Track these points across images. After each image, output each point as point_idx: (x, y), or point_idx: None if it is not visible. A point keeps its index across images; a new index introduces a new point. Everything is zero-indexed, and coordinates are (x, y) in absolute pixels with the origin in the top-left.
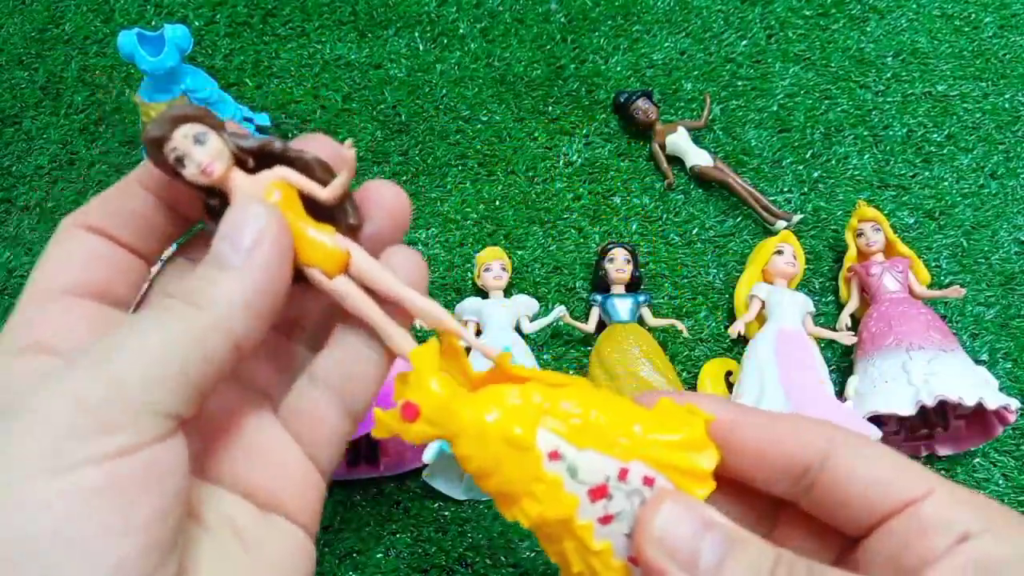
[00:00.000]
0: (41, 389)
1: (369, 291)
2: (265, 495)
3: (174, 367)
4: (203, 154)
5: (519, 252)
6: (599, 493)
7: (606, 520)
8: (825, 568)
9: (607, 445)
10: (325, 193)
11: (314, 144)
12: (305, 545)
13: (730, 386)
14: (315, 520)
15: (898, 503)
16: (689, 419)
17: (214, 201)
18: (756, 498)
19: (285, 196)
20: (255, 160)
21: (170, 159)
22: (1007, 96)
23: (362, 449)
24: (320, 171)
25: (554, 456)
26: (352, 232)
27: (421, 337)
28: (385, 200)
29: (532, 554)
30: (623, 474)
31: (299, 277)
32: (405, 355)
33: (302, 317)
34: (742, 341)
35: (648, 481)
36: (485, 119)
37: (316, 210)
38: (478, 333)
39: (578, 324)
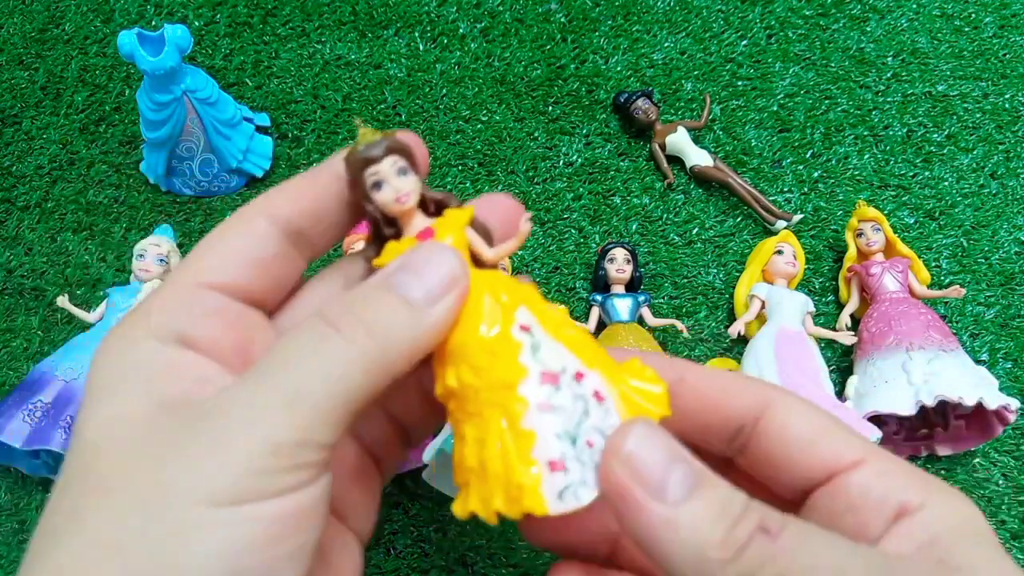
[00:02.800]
0: (235, 422)
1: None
2: (343, 505)
3: (349, 404)
4: (403, 184)
5: (519, 252)
6: (550, 378)
7: (544, 407)
8: (797, 520)
9: (575, 347)
10: (490, 254)
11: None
12: None
13: None
14: None
15: (825, 472)
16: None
17: (390, 231)
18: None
19: (463, 244)
20: (435, 207)
21: (368, 182)
22: (1007, 96)
23: None
24: (482, 235)
25: (525, 328)
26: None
27: None
28: (506, 211)
29: (532, 554)
30: (579, 376)
31: None
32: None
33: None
34: (742, 341)
35: (599, 396)
36: (485, 119)
37: None
38: None
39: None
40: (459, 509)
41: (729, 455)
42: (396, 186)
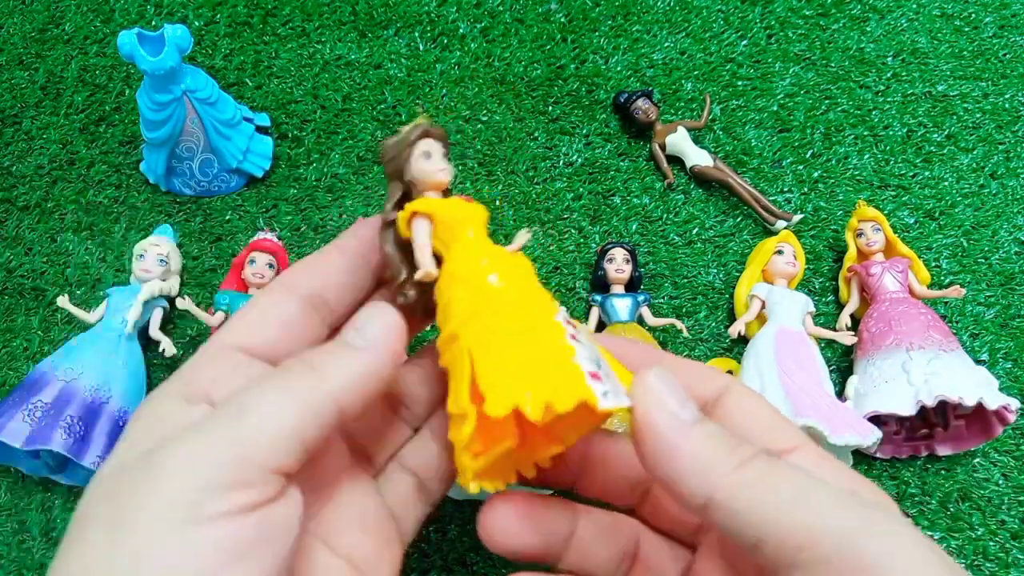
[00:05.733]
0: (179, 446)
1: None
2: (360, 560)
3: (293, 431)
4: (445, 165)
5: None
6: (572, 327)
7: (573, 338)
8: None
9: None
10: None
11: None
12: None
13: None
14: None
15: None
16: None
17: (404, 195)
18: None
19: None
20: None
21: (420, 149)
22: (1007, 96)
23: None
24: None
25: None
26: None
27: None
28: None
29: None
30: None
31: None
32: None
33: (410, 400)
34: (742, 341)
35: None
36: (485, 119)
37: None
38: None
39: None
40: (494, 408)
41: None
42: (440, 164)
